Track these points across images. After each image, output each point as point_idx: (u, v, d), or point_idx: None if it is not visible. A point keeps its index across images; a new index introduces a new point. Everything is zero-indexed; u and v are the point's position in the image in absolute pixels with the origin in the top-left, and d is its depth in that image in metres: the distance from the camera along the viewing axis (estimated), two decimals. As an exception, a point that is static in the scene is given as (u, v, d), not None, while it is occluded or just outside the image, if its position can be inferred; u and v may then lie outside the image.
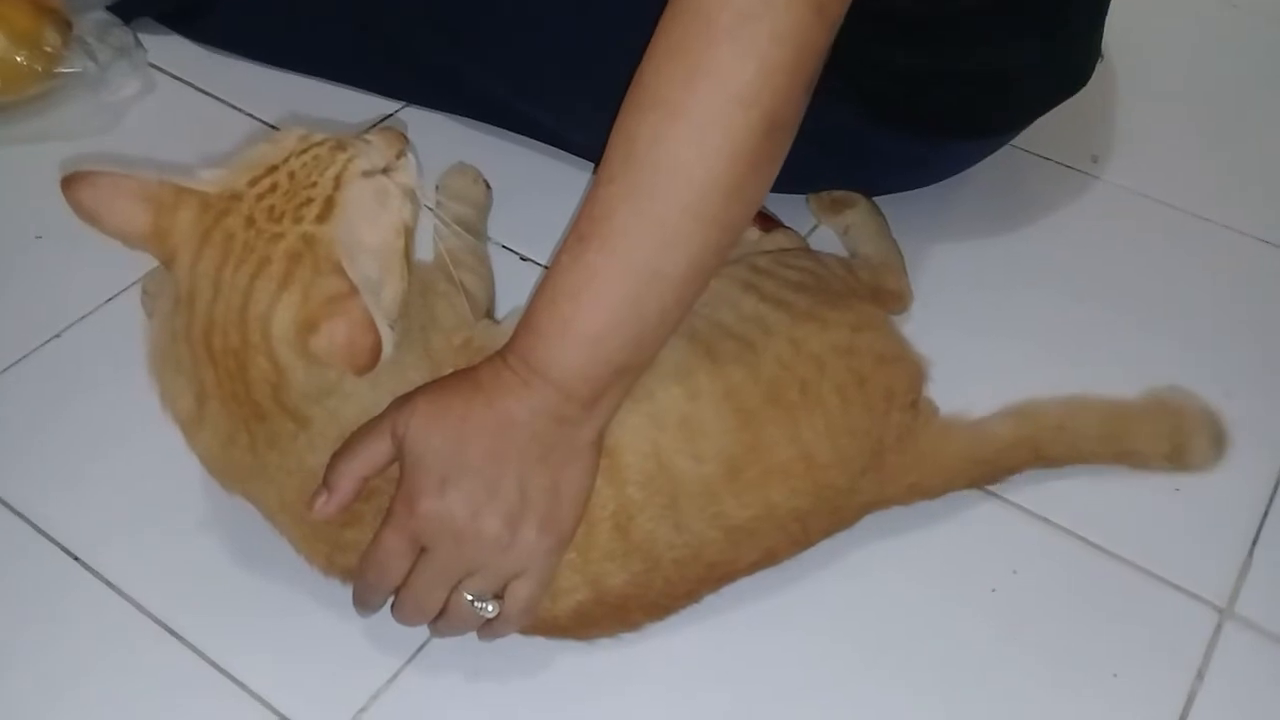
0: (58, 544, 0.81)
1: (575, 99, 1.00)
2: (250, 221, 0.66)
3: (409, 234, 0.71)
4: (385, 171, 0.70)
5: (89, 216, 0.67)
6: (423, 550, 0.68)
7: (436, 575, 0.69)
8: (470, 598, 0.69)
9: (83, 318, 0.95)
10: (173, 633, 0.77)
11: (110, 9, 1.17)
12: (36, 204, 1.05)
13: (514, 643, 0.75)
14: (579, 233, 0.65)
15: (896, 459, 0.79)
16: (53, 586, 0.79)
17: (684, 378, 0.74)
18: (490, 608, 0.70)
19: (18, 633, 0.77)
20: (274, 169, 0.68)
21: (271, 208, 0.67)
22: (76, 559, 0.80)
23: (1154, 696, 0.75)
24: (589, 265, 0.65)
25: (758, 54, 0.62)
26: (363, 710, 0.74)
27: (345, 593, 0.74)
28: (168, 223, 0.67)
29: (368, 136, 0.72)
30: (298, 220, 0.66)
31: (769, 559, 0.77)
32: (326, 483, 0.68)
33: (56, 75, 1.10)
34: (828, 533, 0.79)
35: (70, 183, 0.66)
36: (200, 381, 0.69)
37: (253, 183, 0.67)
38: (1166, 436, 0.85)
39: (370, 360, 0.65)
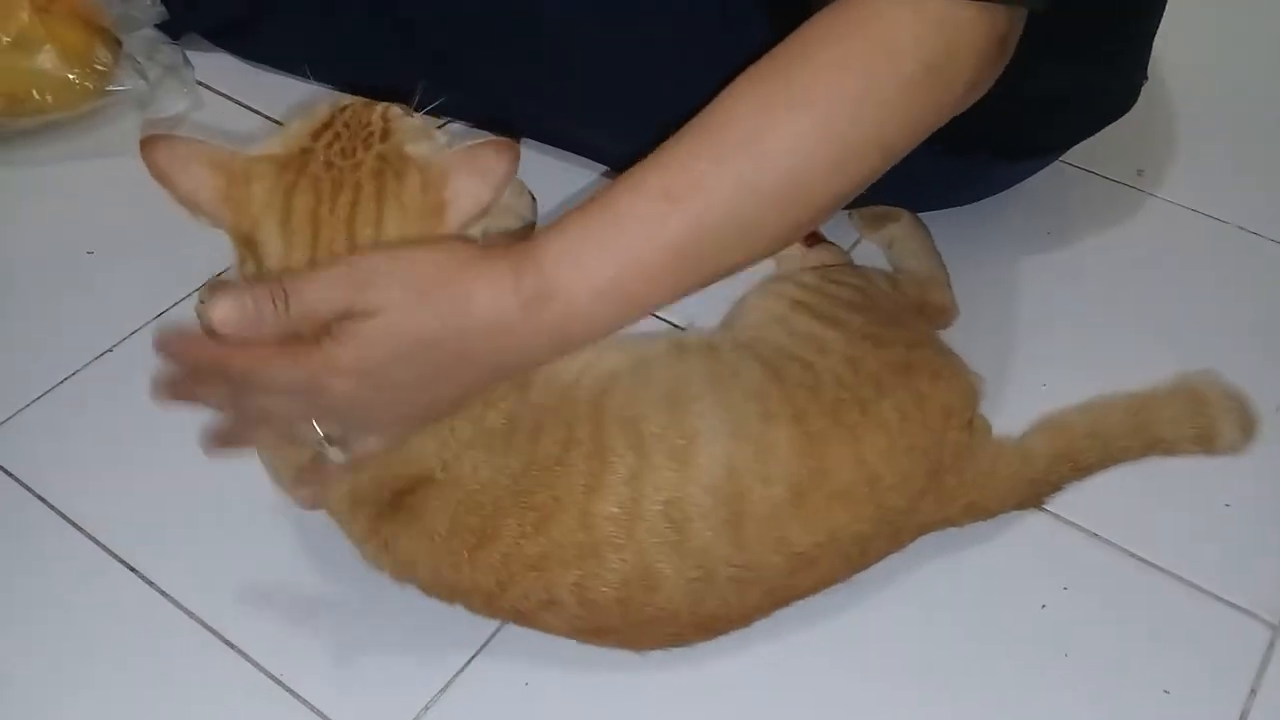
0: (112, 553, 0.82)
1: (621, 116, 1.00)
2: (329, 164, 0.68)
3: None
4: None
5: (162, 178, 0.68)
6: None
7: (292, 408, 0.66)
8: (318, 435, 0.68)
9: (135, 331, 0.97)
10: (224, 640, 0.78)
11: (159, 27, 1.19)
12: (87, 220, 1.07)
13: (567, 656, 0.75)
14: (666, 188, 0.62)
15: (954, 479, 0.78)
16: (108, 596, 0.80)
17: (760, 398, 0.74)
18: (335, 452, 0.69)
19: (72, 641, 0.78)
20: (327, 125, 0.70)
21: (342, 149, 0.69)
22: (131, 568, 0.81)
23: (1207, 713, 0.75)
24: (665, 228, 0.62)
25: (919, 111, 0.62)
26: (414, 722, 0.74)
27: (398, 600, 0.75)
28: (242, 193, 0.68)
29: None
30: (368, 147, 0.69)
31: (825, 584, 0.77)
32: (250, 294, 0.62)
33: (107, 93, 1.12)
34: (884, 555, 0.78)
35: (148, 144, 0.67)
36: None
37: (315, 137, 0.70)
38: (1189, 420, 0.85)
39: (511, 165, 0.66)
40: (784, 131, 0.62)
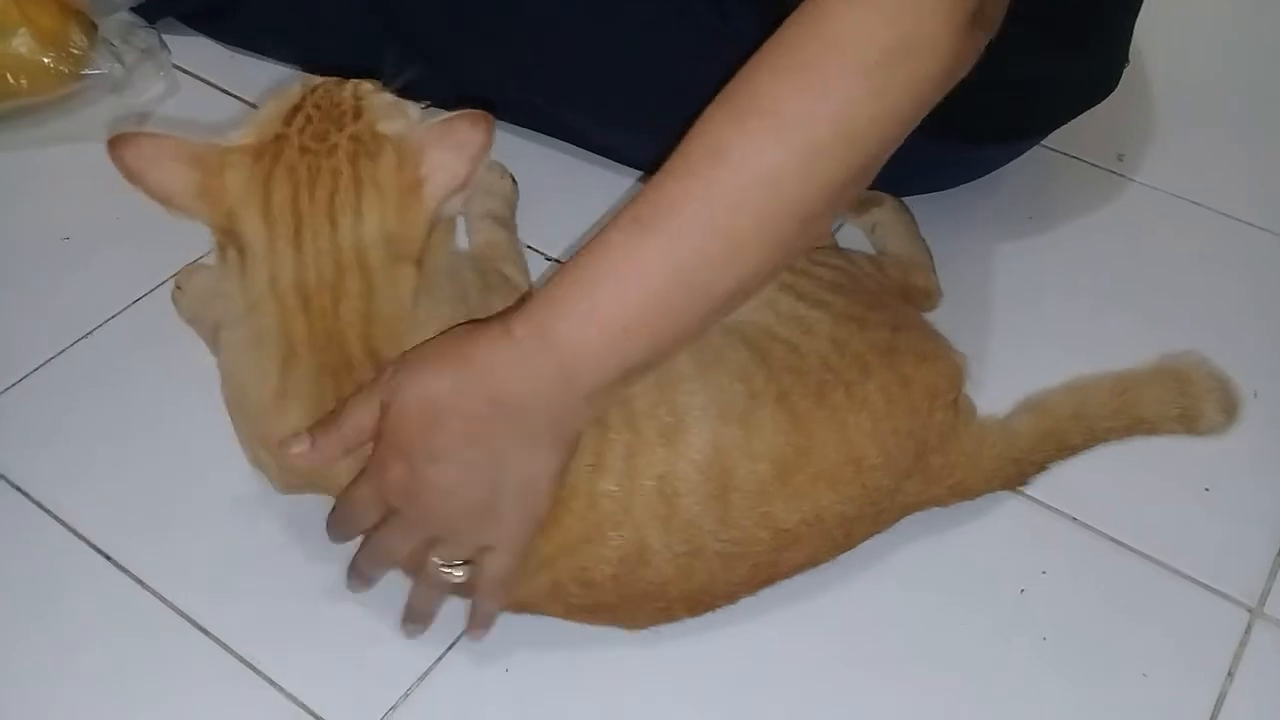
0: (85, 540, 0.82)
1: (605, 101, 1.00)
2: (304, 150, 0.68)
3: None
4: None
5: (133, 176, 0.67)
6: (391, 510, 0.70)
7: (401, 533, 0.70)
8: (439, 562, 0.70)
9: (111, 318, 0.96)
10: (202, 629, 0.77)
11: (135, 10, 1.18)
12: (63, 205, 1.06)
13: (546, 640, 0.75)
14: (637, 217, 0.62)
15: (939, 459, 0.78)
16: (81, 583, 0.80)
17: (745, 378, 0.74)
18: (459, 572, 0.70)
19: (46, 628, 0.77)
20: (298, 109, 0.70)
21: (315, 133, 0.69)
22: (105, 555, 0.81)
23: (1184, 696, 0.75)
24: (639, 255, 0.62)
25: (885, 101, 0.61)
26: (393, 709, 0.74)
27: (375, 591, 0.75)
28: (218, 185, 0.68)
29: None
30: (341, 128, 0.68)
31: (810, 562, 0.77)
32: (311, 434, 0.68)
33: (82, 77, 1.11)
34: (869, 535, 0.79)
35: (116, 143, 0.67)
36: (289, 338, 0.70)
37: (288, 122, 0.69)
38: (1174, 401, 0.85)
39: (486, 136, 0.67)
40: (746, 141, 0.61)
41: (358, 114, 0.69)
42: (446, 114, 0.68)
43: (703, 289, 0.63)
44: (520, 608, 0.75)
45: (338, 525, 0.72)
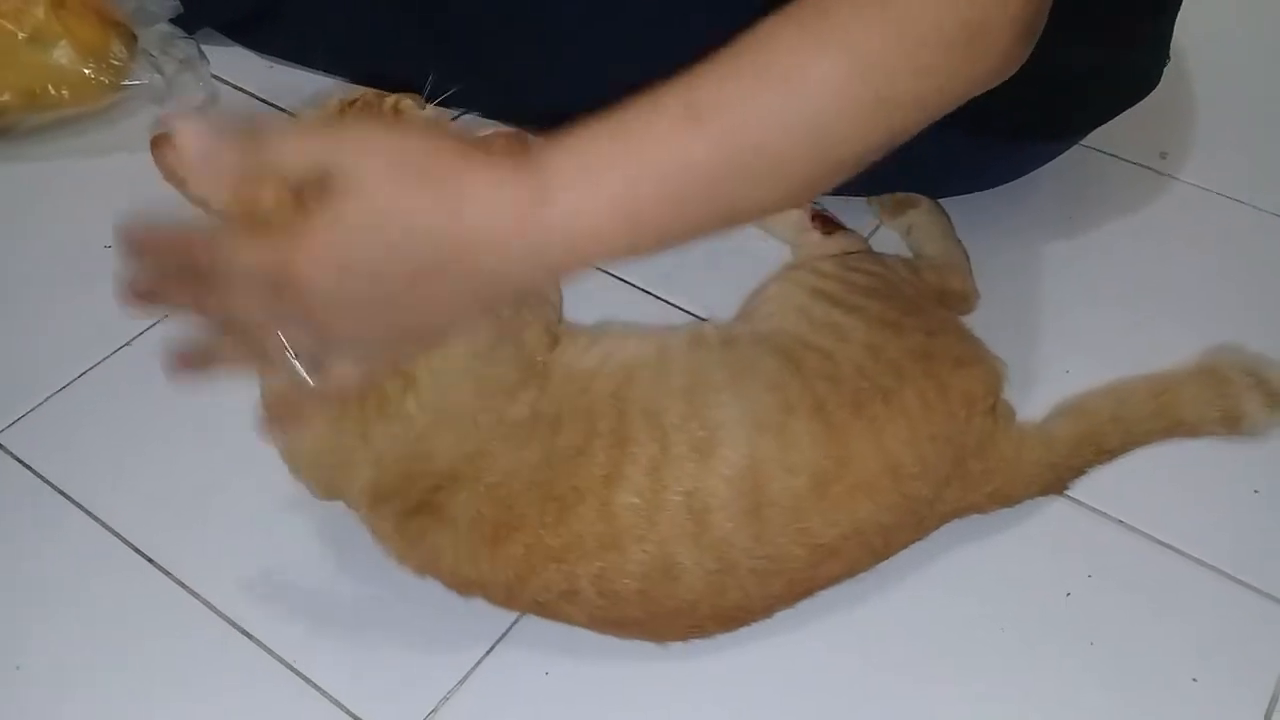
0: (132, 546, 0.82)
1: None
2: None
3: None
4: None
5: (174, 179, 0.64)
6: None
7: (262, 309, 0.58)
8: (286, 345, 0.60)
9: (152, 325, 0.97)
10: (244, 631, 0.78)
11: (174, 21, 1.19)
12: (105, 214, 1.06)
13: (587, 647, 0.75)
14: (691, 107, 0.57)
15: (978, 466, 0.78)
16: (128, 589, 0.80)
17: (780, 389, 0.74)
18: (301, 367, 0.61)
19: (92, 633, 0.78)
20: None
21: None
22: (150, 560, 0.82)
23: (1234, 701, 0.74)
24: (687, 150, 0.56)
25: (951, 76, 0.60)
26: (433, 712, 0.74)
27: (418, 590, 0.75)
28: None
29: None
30: None
31: (848, 573, 0.76)
32: (191, 126, 0.57)
33: (123, 87, 1.13)
34: (907, 544, 0.78)
35: (158, 143, 0.63)
36: None
37: None
38: (1213, 401, 0.83)
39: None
40: (822, 69, 0.58)
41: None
42: (488, 127, 0.68)
43: (726, 199, 0.59)
44: (538, 609, 0.75)
45: (189, 248, 0.59)
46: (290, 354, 0.60)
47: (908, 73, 0.59)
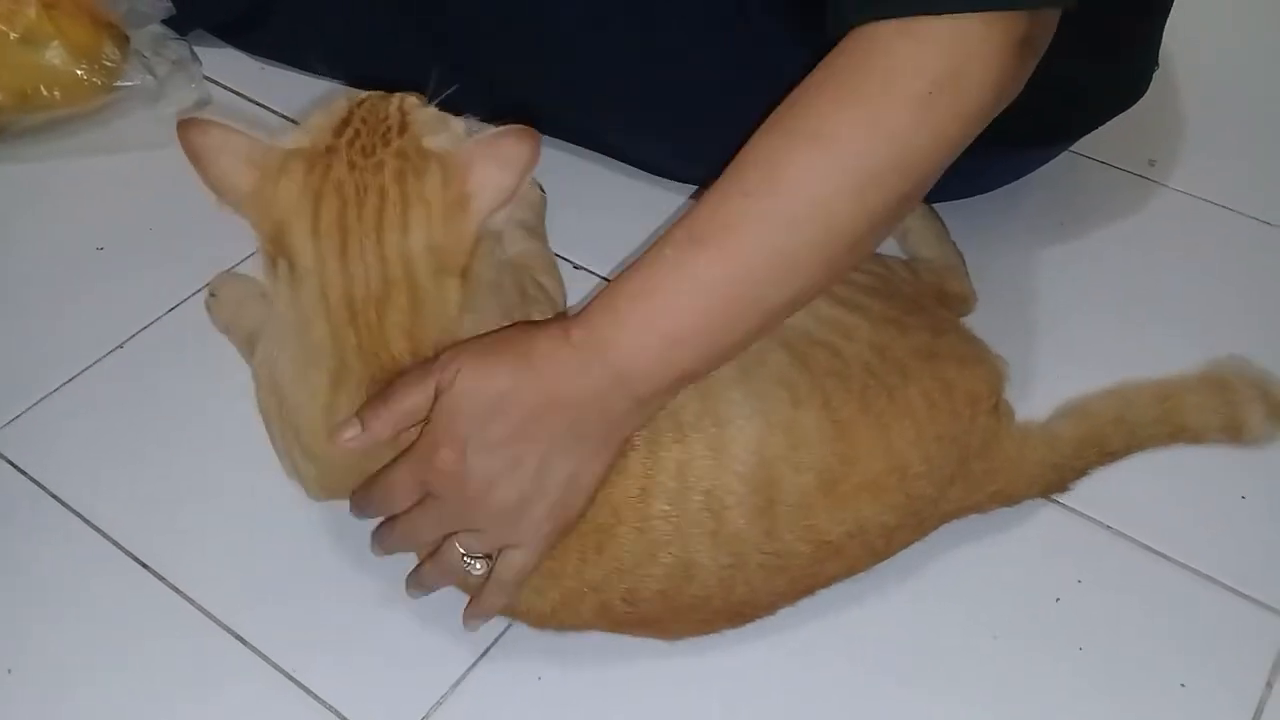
0: (124, 549, 0.82)
1: (639, 115, 1.00)
2: (352, 166, 0.68)
3: None
4: None
5: (196, 160, 0.68)
6: (429, 495, 0.70)
7: (433, 519, 0.71)
8: (461, 551, 0.71)
9: (145, 327, 0.97)
10: (237, 636, 0.78)
11: (166, 22, 1.19)
12: (97, 216, 1.07)
13: (580, 650, 0.75)
14: (692, 234, 0.65)
15: (981, 465, 0.78)
16: (120, 592, 0.80)
17: (789, 385, 0.74)
18: (478, 565, 0.71)
19: (83, 636, 0.78)
20: (347, 121, 0.70)
21: (363, 147, 0.68)
22: (143, 564, 0.81)
23: (1223, 707, 0.74)
24: (695, 269, 0.64)
25: (936, 129, 0.63)
26: (425, 717, 0.74)
27: (410, 601, 0.75)
28: (270, 193, 0.68)
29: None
30: (387, 143, 0.68)
31: (849, 573, 0.76)
32: (360, 417, 0.69)
33: (115, 88, 1.12)
34: (908, 544, 0.78)
35: (186, 125, 0.67)
36: (340, 352, 0.70)
37: (338, 134, 0.69)
38: (1217, 409, 0.84)
39: (533, 151, 0.66)
40: (802, 164, 0.63)
41: (403, 129, 0.69)
42: (490, 129, 0.68)
43: (754, 304, 0.65)
44: (564, 628, 0.75)
45: (366, 502, 0.72)
46: (460, 552, 0.71)
47: (886, 150, 0.63)
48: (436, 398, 0.67)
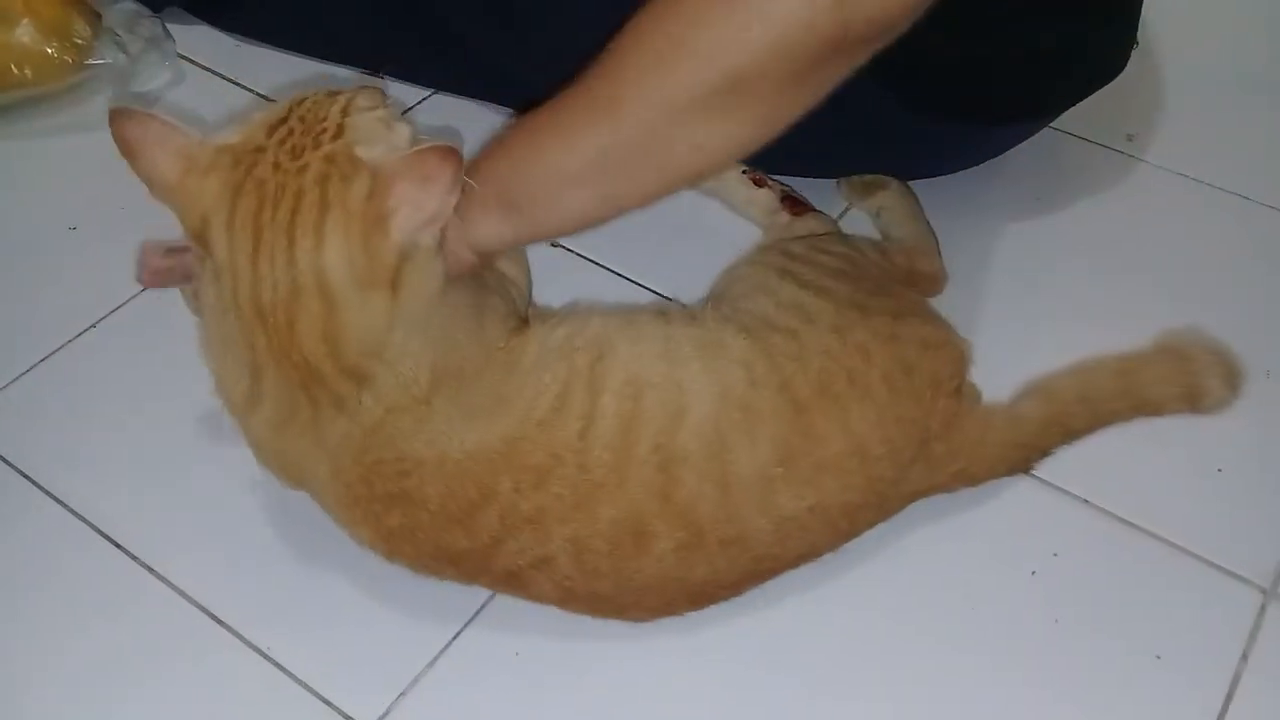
0: (96, 529, 0.82)
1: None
2: (277, 165, 0.67)
3: None
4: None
5: (127, 152, 0.68)
6: None
7: None
8: None
9: (117, 308, 0.96)
10: (213, 616, 0.77)
11: (139, 0, 1.17)
12: (69, 195, 1.06)
13: (556, 627, 0.75)
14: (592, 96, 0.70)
15: (943, 447, 0.78)
16: (93, 571, 0.80)
17: (747, 365, 0.74)
18: None
19: (55, 615, 0.78)
20: (283, 120, 0.69)
21: (292, 148, 0.68)
22: (116, 544, 0.81)
23: (1198, 678, 0.75)
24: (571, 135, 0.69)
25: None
26: (403, 694, 0.74)
27: (387, 573, 0.75)
28: (197, 185, 0.67)
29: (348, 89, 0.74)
30: (317, 147, 0.68)
31: (813, 553, 0.76)
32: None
33: (87, 67, 1.11)
34: (872, 525, 0.78)
35: (117, 116, 0.67)
36: (253, 351, 0.69)
37: (270, 133, 0.69)
38: (1176, 379, 0.84)
39: (454, 172, 0.66)
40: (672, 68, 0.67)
41: (338, 133, 0.68)
42: (424, 140, 0.68)
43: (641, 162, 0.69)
44: (510, 579, 0.74)
45: None
46: None
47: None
48: None
